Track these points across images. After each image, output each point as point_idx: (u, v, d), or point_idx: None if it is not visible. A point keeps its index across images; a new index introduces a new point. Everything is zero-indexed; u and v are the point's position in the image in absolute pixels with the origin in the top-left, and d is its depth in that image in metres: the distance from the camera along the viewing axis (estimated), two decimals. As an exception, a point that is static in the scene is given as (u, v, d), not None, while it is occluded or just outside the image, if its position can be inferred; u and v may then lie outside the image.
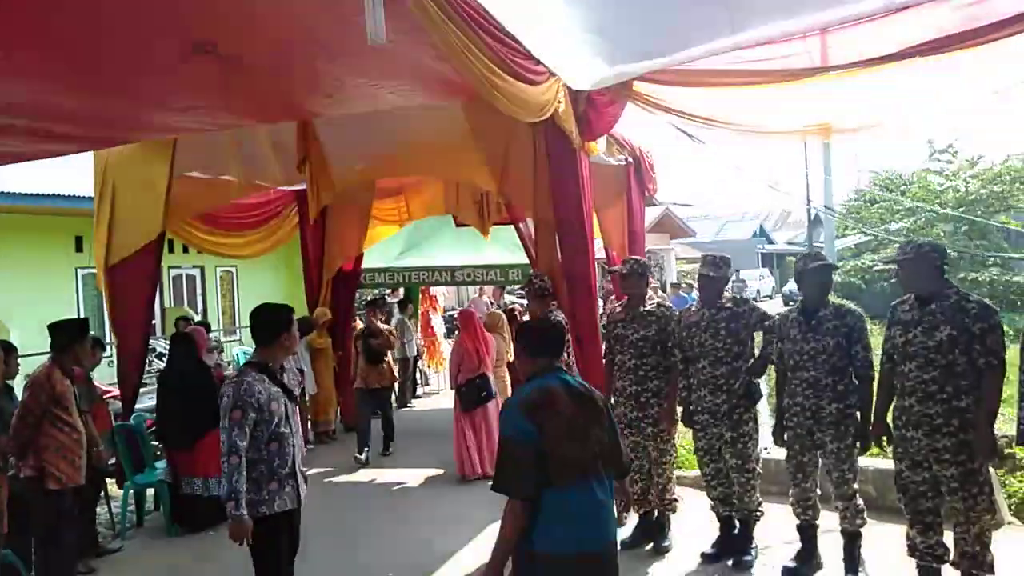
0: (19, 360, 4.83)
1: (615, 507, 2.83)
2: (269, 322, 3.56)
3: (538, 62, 4.06)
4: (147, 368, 8.36)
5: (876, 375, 4.05)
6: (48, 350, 4.56)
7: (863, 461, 5.28)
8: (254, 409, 3.32)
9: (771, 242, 43.02)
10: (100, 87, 2.89)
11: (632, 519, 5.18)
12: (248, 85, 3.34)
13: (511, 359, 7.52)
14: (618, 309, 5.12)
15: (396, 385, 9.19)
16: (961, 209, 19.93)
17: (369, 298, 11.77)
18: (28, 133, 2.94)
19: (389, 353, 8.01)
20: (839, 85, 4.24)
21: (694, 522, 5.09)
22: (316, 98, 3.89)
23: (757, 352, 4.58)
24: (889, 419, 3.93)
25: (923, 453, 3.69)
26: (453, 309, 16.29)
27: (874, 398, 4.05)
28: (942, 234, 20.23)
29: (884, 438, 3.97)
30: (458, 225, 9.20)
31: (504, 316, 7.93)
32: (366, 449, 7.41)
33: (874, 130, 4.93)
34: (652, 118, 5.79)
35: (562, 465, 2.48)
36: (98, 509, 5.78)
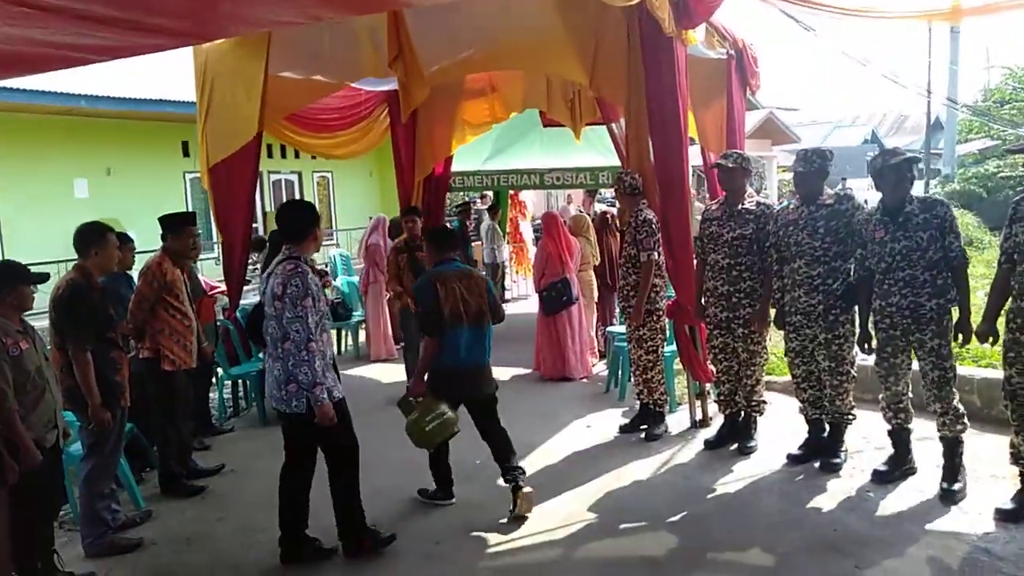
0: (135, 252, 5.18)
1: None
2: (299, 218, 3.61)
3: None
4: (252, 267, 8.79)
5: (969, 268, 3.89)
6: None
7: (968, 370, 5.04)
8: (315, 299, 3.40)
9: (884, 148, 40.22)
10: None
11: (718, 420, 5.16)
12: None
13: (596, 262, 7.46)
14: (714, 207, 4.94)
15: None
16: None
17: (459, 203, 11.84)
18: (123, 25, 2.99)
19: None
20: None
21: (781, 426, 5.02)
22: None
23: None
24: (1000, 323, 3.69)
25: None
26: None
27: (972, 294, 3.85)
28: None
29: (991, 338, 3.74)
30: (546, 125, 8.98)
31: (588, 219, 7.78)
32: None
33: (1013, 7, 4.39)
34: (758, 6, 5.40)
35: (452, 316, 3.96)
36: (211, 394, 6.26)
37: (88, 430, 3.89)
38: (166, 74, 9.81)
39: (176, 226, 4.73)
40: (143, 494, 4.56)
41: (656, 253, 5.07)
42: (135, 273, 5.33)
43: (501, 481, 4.36)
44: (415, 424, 3.90)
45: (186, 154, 12.54)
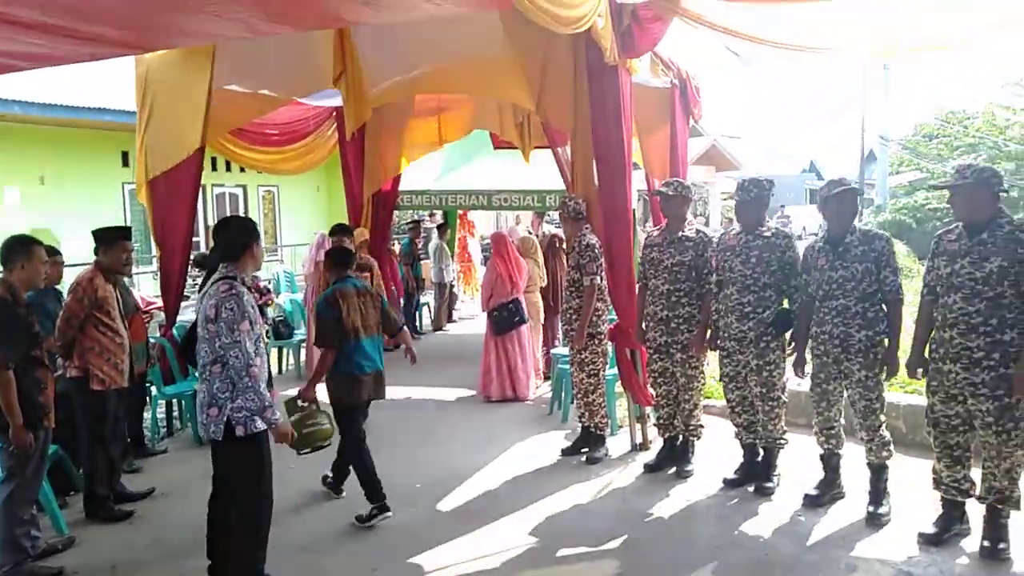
0: (64, 265, 5.00)
1: (406, 353, 4.70)
2: (235, 234, 3.47)
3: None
4: (192, 282, 8.58)
5: (904, 302, 4.02)
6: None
7: (895, 396, 5.23)
8: (252, 321, 3.27)
9: (821, 178, 41.69)
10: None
11: (657, 443, 5.23)
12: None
13: (543, 284, 7.52)
14: (655, 233, 5.05)
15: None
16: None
17: (410, 221, 11.79)
18: (58, 32, 2.91)
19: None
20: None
21: (718, 450, 5.12)
22: (353, 5, 3.79)
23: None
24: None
25: (959, 387, 3.60)
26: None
27: (902, 326, 3.99)
28: (1004, 172, 19.26)
29: (919, 371, 3.88)
30: (496, 147, 9.06)
31: (536, 241, 7.85)
32: None
33: (941, 49, 4.62)
34: (700, 42, 5.57)
35: (355, 328, 4.27)
36: (145, 414, 6.05)
37: (8, 452, 3.72)
38: (107, 82, 9.56)
39: (109, 240, 4.58)
40: (67, 519, 4.37)
41: (599, 277, 5.14)
42: (64, 287, 5.16)
43: (442, 505, 4.33)
44: (295, 425, 3.93)
45: (125, 164, 12.20)
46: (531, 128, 7.80)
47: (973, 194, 3.57)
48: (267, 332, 7.75)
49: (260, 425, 3.31)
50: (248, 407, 3.25)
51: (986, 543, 3.65)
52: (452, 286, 11.69)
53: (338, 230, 7.04)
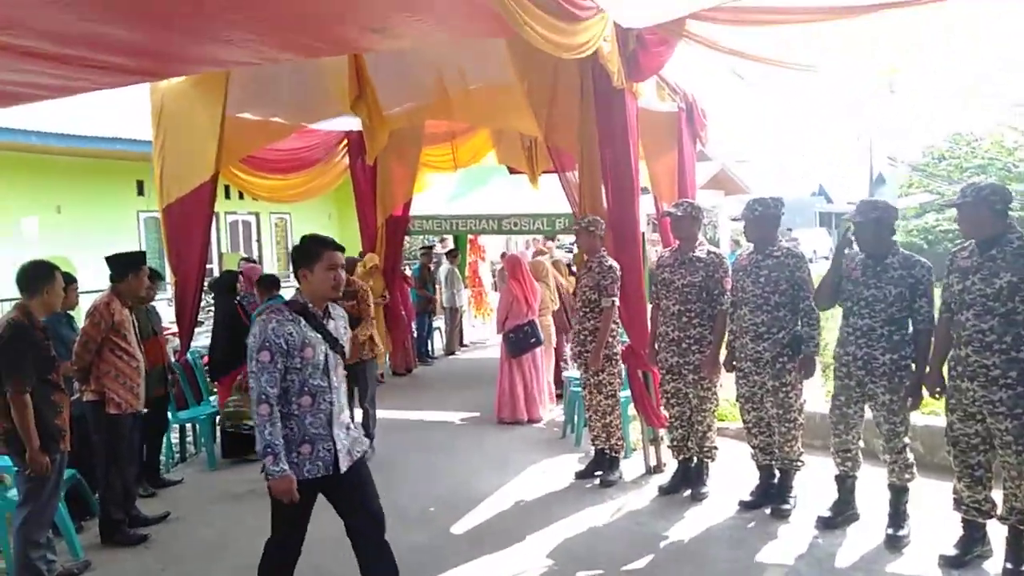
0: (79, 292, 5.06)
1: None
2: (298, 250, 3.09)
3: (587, -4, 3.96)
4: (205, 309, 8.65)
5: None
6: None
7: (912, 418, 5.16)
8: (283, 353, 2.90)
9: (830, 201, 41.68)
10: (150, 16, 2.93)
11: (671, 465, 5.19)
12: (298, 16, 3.34)
13: (555, 307, 7.53)
14: (667, 254, 5.05)
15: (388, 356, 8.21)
16: (1037, 167, 18.88)
17: (424, 246, 11.85)
18: (75, 62, 2.99)
19: (367, 319, 5.90)
20: (906, 21, 4.03)
21: (734, 472, 5.07)
22: (364, 33, 3.88)
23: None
24: (944, 371, 3.81)
25: (977, 405, 3.56)
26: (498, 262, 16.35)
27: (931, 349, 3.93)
28: (1014, 194, 19.21)
29: (938, 390, 3.84)
30: (511, 172, 9.14)
31: (548, 265, 7.88)
32: None
33: (942, 71, 4.67)
34: (705, 65, 5.63)
35: None
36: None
37: (25, 476, 3.74)
38: (122, 112, 9.72)
39: (124, 268, 4.62)
40: (83, 543, 4.36)
41: (617, 299, 5.11)
42: (76, 314, 5.21)
43: (456, 528, 4.31)
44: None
45: (140, 193, 12.37)
46: (538, 153, 7.89)
47: (973, 212, 3.57)
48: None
49: (307, 472, 2.98)
50: (260, 444, 2.91)
51: (1009, 565, 3.58)
52: (463, 311, 11.70)
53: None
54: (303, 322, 2.98)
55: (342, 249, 3.13)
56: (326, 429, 3.01)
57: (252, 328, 3.01)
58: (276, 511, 3.04)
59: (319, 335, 3.01)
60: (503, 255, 10.83)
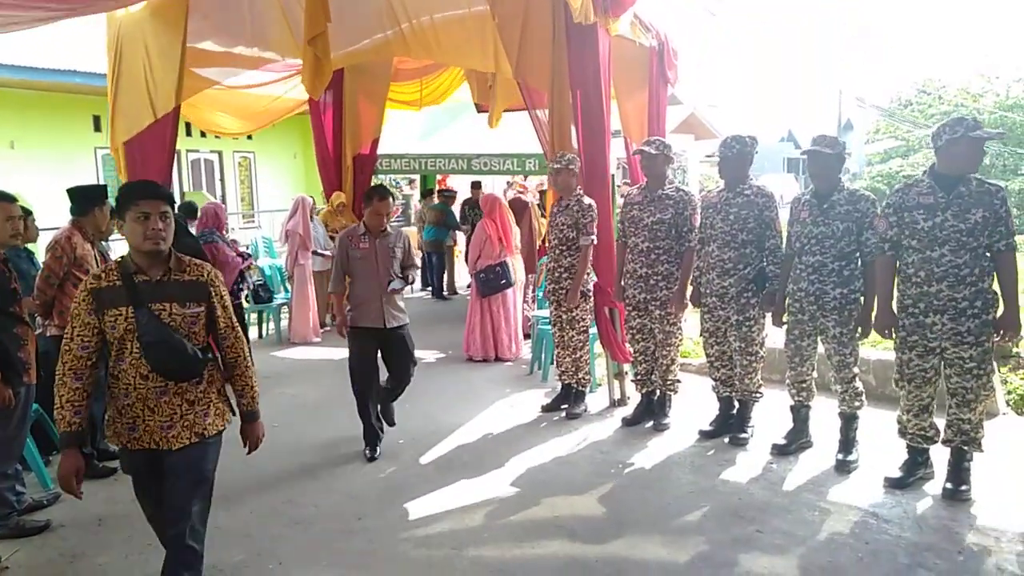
0: (38, 226, 4.95)
1: None
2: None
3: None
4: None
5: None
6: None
7: (865, 352, 5.36)
8: None
9: (798, 147, 41.83)
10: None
11: (635, 399, 5.34)
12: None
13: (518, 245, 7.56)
14: (635, 192, 5.08)
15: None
16: (1000, 114, 19.20)
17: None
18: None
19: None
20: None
21: (695, 404, 5.24)
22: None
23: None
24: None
25: (943, 337, 3.67)
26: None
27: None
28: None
29: (892, 329, 3.90)
30: (480, 111, 9.01)
31: (534, 206, 7.86)
32: None
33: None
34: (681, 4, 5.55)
35: None
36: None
37: (-11, 408, 3.72)
38: (78, 44, 9.33)
39: (88, 202, 4.52)
40: (51, 476, 4.39)
41: (595, 237, 5.11)
42: (36, 249, 5.11)
43: (424, 459, 4.40)
44: None
45: (97, 128, 11.99)
46: (498, 92, 7.78)
47: (972, 150, 3.60)
48: (247, 296, 7.76)
49: None
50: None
51: (948, 485, 3.81)
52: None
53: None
54: None
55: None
56: None
57: None
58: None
59: None
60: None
